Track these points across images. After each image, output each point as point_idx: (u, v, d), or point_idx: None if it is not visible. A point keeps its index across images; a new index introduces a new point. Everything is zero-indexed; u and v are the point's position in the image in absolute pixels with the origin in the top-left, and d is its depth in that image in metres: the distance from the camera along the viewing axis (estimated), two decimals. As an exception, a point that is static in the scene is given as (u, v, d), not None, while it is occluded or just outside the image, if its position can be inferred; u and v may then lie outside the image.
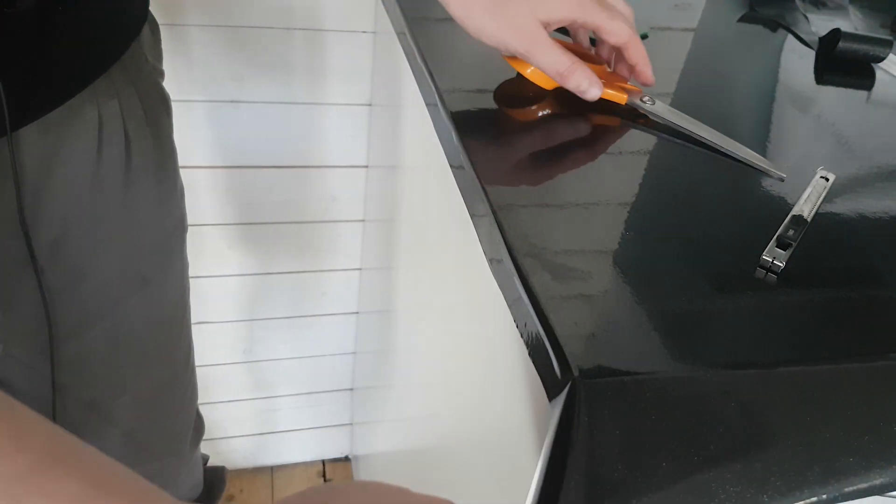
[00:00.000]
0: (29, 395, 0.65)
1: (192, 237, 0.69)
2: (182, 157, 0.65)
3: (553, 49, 0.48)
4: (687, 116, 0.51)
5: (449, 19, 0.50)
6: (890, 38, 0.65)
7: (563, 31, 0.57)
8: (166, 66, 0.62)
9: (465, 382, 0.57)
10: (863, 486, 0.37)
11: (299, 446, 1.37)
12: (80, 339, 0.59)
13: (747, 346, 0.35)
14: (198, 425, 0.82)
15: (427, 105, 0.56)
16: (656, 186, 0.46)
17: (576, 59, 0.49)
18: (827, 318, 0.38)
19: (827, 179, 0.48)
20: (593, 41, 0.58)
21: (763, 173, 0.48)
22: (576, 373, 0.32)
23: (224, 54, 0.86)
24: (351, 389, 1.30)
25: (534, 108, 0.52)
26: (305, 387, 1.27)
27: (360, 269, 1.13)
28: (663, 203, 0.45)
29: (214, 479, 0.90)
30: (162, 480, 0.77)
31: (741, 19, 0.74)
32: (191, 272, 0.71)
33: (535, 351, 0.35)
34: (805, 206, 0.45)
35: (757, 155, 0.49)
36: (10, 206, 0.49)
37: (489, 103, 0.53)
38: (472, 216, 0.46)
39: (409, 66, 0.61)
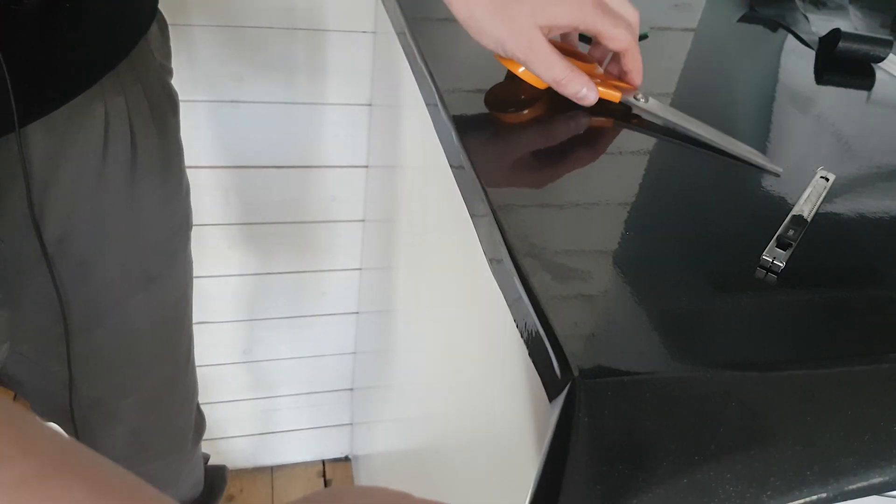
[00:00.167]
0: (37, 393, 0.65)
1: (192, 237, 0.69)
2: (184, 157, 0.65)
3: (550, 56, 0.48)
4: (680, 113, 0.51)
5: (449, 19, 0.50)
6: (890, 38, 0.65)
7: None
8: (167, 65, 0.62)
9: (465, 382, 0.57)
10: (862, 485, 0.37)
11: (299, 446, 1.37)
12: (86, 336, 0.59)
13: (747, 346, 0.35)
14: (199, 422, 0.82)
15: (427, 105, 0.56)
16: (656, 186, 0.46)
17: (572, 66, 0.49)
18: (827, 318, 0.38)
19: (827, 179, 0.48)
20: (585, 38, 0.57)
21: (760, 170, 0.48)
22: (576, 373, 0.32)
23: (224, 54, 0.86)
24: (351, 389, 1.30)
25: (533, 107, 0.52)
26: (305, 387, 1.27)
27: (360, 269, 1.13)
28: (663, 203, 0.45)
29: (215, 478, 0.90)
30: (165, 478, 0.77)
31: (741, 19, 0.74)
32: (191, 272, 0.71)
33: (535, 351, 0.35)
34: (805, 206, 0.45)
35: (753, 150, 0.49)
36: (18, 202, 0.49)
37: (489, 103, 0.53)
38: (472, 216, 0.46)
39: (409, 66, 0.61)
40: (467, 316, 0.56)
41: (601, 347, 0.34)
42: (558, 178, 0.46)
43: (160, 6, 0.58)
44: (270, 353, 1.20)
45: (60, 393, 0.63)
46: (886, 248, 0.43)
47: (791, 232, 0.42)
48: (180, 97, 0.62)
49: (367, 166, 1.01)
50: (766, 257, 0.40)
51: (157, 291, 0.63)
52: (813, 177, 0.48)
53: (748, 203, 0.46)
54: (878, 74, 0.65)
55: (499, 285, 0.41)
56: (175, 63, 0.62)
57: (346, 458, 1.41)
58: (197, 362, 0.79)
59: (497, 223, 0.40)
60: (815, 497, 0.36)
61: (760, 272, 0.39)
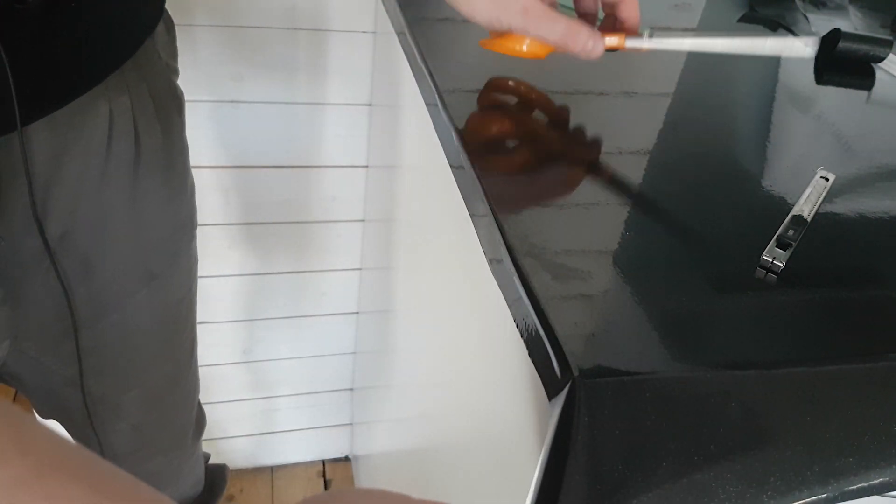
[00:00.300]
0: (37, 391, 0.65)
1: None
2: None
3: (548, 14, 0.46)
4: (689, 36, 0.48)
5: (449, 19, 0.50)
6: (890, 38, 0.65)
7: None
8: (168, 65, 0.62)
9: (465, 382, 0.57)
10: (862, 485, 0.37)
11: (299, 446, 1.37)
12: (88, 333, 0.59)
13: (747, 346, 0.35)
14: (199, 419, 0.82)
15: (427, 105, 0.56)
16: (656, 186, 0.46)
17: (571, 20, 0.47)
18: (827, 318, 0.38)
19: (827, 179, 0.48)
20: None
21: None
22: (576, 373, 0.32)
23: (224, 54, 0.86)
24: (351, 389, 1.30)
25: (532, 106, 0.52)
26: (305, 387, 1.27)
27: (360, 269, 1.13)
28: (663, 203, 0.45)
29: (216, 476, 0.90)
30: (166, 475, 0.77)
31: (741, 19, 0.74)
32: (191, 272, 0.71)
33: (535, 351, 0.35)
34: (805, 206, 0.45)
35: (775, 39, 0.46)
36: (21, 200, 0.49)
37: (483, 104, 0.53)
38: (472, 216, 0.46)
39: (409, 66, 0.61)
40: (467, 316, 0.56)
41: (601, 347, 0.34)
42: (558, 179, 0.46)
43: (166, 6, 0.58)
44: (270, 353, 1.20)
45: (61, 391, 0.63)
46: (886, 248, 0.43)
47: (791, 232, 0.42)
48: (181, 97, 0.62)
49: (367, 166, 1.01)
50: (766, 257, 0.40)
51: (160, 289, 0.63)
52: (813, 177, 0.48)
53: (748, 203, 0.46)
54: (878, 74, 0.65)
55: (499, 285, 0.41)
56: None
57: (346, 458, 1.41)
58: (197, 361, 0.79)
59: (497, 223, 0.40)
60: (815, 497, 0.36)
61: (760, 272, 0.39)
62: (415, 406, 0.80)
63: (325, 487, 1.36)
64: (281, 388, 1.26)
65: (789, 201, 0.45)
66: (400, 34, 0.63)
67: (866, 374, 0.36)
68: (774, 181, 0.47)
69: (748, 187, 0.47)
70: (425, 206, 0.69)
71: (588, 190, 0.45)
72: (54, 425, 0.68)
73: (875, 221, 0.46)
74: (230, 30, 0.85)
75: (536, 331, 0.35)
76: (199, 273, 0.72)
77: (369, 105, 0.96)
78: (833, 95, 0.62)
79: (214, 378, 1.19)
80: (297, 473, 1.37)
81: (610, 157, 0.49)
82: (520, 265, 0.37)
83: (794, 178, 0.48)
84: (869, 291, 0.40)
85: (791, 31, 0.71)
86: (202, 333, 0.75)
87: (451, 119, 0.49)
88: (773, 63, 0.66)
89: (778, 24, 0.73)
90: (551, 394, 0.33)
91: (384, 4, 0.70)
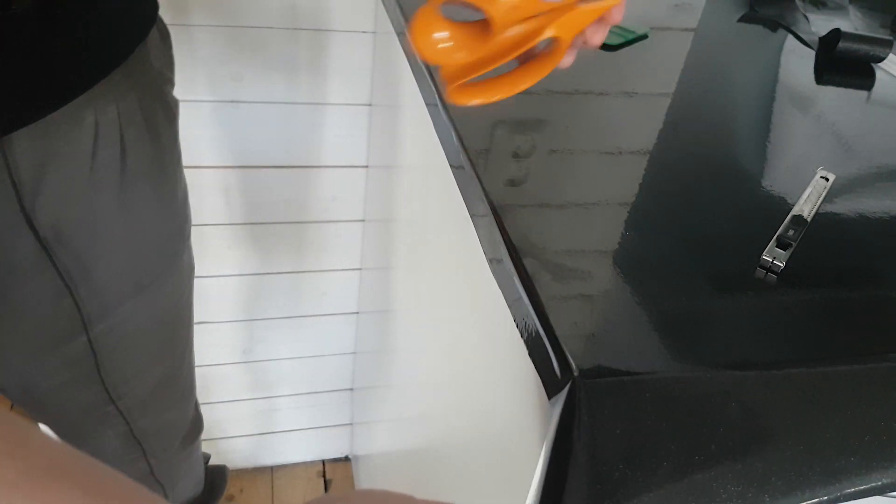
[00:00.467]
0: (24, 399, 0.64)
1: (192, 237, 0.69)
2: (183, 157, 0.64)
3: None
4: None
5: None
6: (890, 38, 0.65)
7: None
8: (167, 66, 0.62)
9: (465, 382, 0.57)
10: (863, 486, 0.37)
11: (299, 446, 1.37)
12: (81, 339, 0.59)
13: (747, 347, 0.35)
14: (196, 420, 0.82)
15: (427, 105, 0.56)
16: (656, 186, 0.46)
17: None
18: (827, 318, 0.38)
19: (827, 179, 0.48)
20: None
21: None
22: (576, 372, 0.32)
23: (224, 54, 0.86)
24: (351, 389, 1.30)
25: (531, 105, 0.52)
26: (305, 387, 1.27)
27: (359, 269, 1.13)
28: (663, 203, 0.45)
29: (216, 477, 0.90)
30: (162, 476, 0.77)
31: (741, 19, 0.74)
32: (191, 272, 0.71)
33: (535, 351, 0.35)
34: (805, 206, 0.45)
35: None
36: (6, 209, 0.49)
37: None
38: (472, 216, 0.46)
39: (409, 66, 0.61)
40: (467, 316, 0.56)
41: (601, 347, 0.34)
42: (558, 179, 0.46)
43: (161, 12, 0.58)
44: (270, 353, 1.20)
45: (47, 399, 0.63)
46: (886, 248, 0.43)
47: (791, 232, 0.42)
48: (180, 97, 0.62)
49: (366, 166, 1.01)
50: (766, 257, 0.40)
51: (153, 296, 0.63)
52: (813, 177, 0.48)
53: (748, 203, 0.46)
54: (878, 74, 0.65)
55: (499, 285, 0.41)
56: (175, 63, 0.62)
57: (346, 458, 1.41)
58: (197, 362, 0.79)
59: (497, 223, 0.40)
60: (816, 498, 0.36)
61: (760, 272, 0.39)
62: (415, 406, 0.80)
63: (325, 487, 1.37)
64: (281, 388, 1.26)
65: (789, 201, 0.45)
66: (400, 34, 0.63)
67: (866, 374, 0.36)
68: (774, 181, 0.47)
69: (748, 187, 0.47)
70: (425, 206, 0.69)
71: (588, 190, 0.45)
72: (44, 428, 0.67)
73: (875, 221, 0.46)
74: (230, 30, 0.85)
75: (536, 331, 0.35)
76: (199, 273, 0.72)
77: (369, 105, 0.96)
78: (833, 95, 0.62)
79: (214, 378, 1.19)
80: (297, 473, 1.37)
81: (610, 157, 0.49)
82: (520, 265, 0.37)
83: (794, 178, 0.48)
84: (869, 291, 0.40)
85: (791, 31, 0.71)
86: (202, 333, 0.75)
87: (450, 119, 0.49)
88: (774, 63, 0.66)
89: (778, 24, 0.73)
90: (551, 394, 0.33)
91: (384, 4, 0.70)
